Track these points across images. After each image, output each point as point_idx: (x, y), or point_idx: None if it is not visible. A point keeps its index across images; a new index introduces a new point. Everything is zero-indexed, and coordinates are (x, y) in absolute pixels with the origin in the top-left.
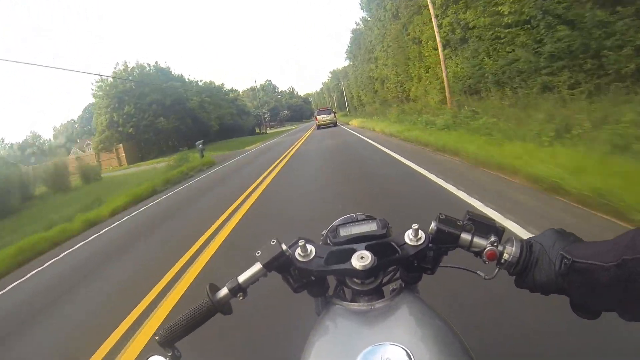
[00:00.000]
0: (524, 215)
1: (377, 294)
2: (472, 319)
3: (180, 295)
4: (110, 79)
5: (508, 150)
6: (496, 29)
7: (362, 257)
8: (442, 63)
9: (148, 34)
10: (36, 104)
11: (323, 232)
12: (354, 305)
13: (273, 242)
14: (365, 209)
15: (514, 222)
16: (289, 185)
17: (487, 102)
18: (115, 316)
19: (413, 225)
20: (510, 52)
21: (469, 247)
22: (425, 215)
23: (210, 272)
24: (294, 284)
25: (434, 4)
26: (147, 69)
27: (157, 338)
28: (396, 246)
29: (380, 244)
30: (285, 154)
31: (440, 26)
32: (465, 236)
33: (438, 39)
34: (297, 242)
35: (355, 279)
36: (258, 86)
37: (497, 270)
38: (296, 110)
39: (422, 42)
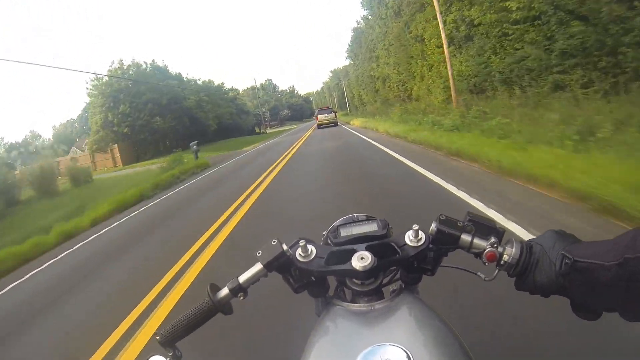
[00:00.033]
0: None
1: (377, 294)
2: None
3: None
4: (106, 78)
5: (536, 156)
6: (504, 26)
7: (362, 258)
8: (448, 61)
9: (149, 34)
10: (36, 104)
11: (324, 233)
12: (354, 306)
13: (274, 242)
14: None
15: None
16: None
17: (494, 102)
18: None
19: (413, 226)
20: (519, 49)
21: (469, 248)
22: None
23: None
24: (295, 284)
25: (438, 0)
26: (144, 67)
27: (157, 338)
28: (396, 247)
29: (380, 245)
30: (285, 154)
31: (444, 23)
32: (466, 237)
33: (443, 35)
34: (297, 243)
35: (355, 280)
36: (258, 85)
37: (497, 271)
38: (296, 109)
39: (425, 40)
